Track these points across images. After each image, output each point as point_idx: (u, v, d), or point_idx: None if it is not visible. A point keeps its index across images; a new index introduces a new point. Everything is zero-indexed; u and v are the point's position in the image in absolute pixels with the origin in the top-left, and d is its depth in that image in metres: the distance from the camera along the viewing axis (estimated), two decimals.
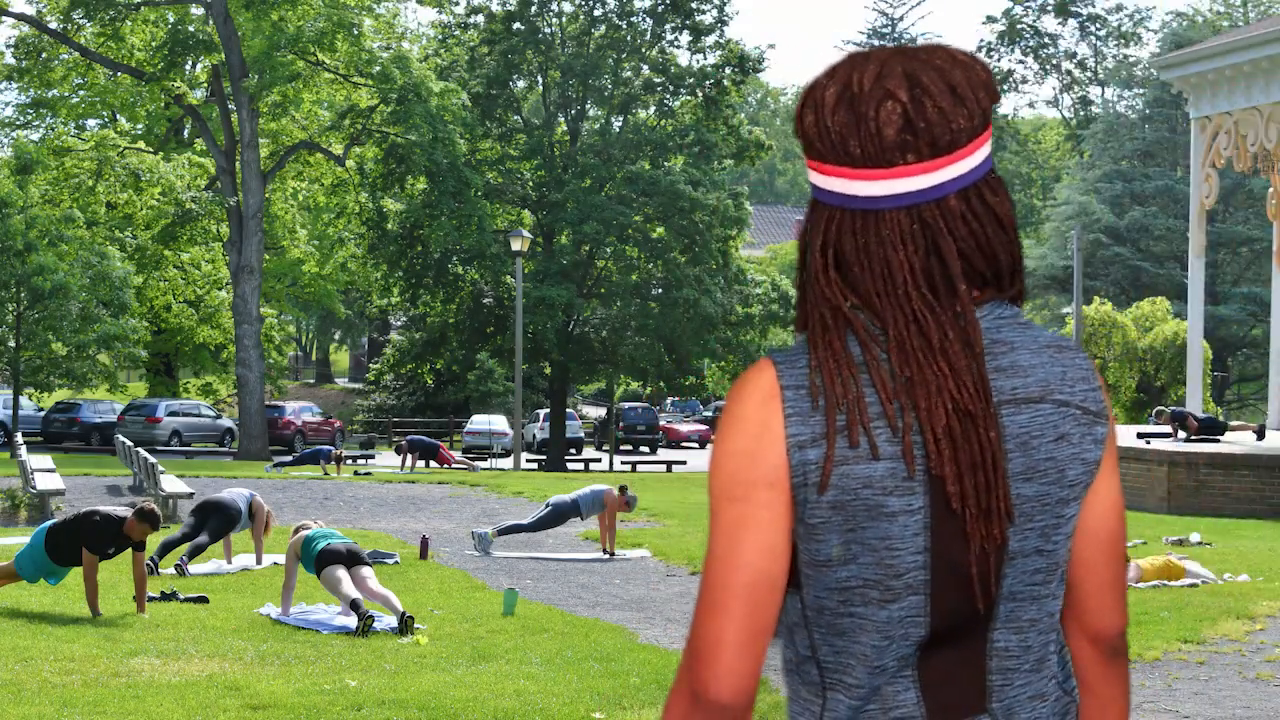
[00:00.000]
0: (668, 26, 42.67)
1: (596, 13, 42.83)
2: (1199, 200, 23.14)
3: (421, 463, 31.53)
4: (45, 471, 20.84)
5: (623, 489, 15.94)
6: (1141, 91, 59.06)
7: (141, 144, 40.74)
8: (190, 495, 18.07)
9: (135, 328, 35.27)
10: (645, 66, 42.75)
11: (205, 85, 41.06)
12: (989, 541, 1.63)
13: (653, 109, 43.60)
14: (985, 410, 1.63)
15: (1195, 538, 15.51)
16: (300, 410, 44.04)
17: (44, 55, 39.51)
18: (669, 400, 57.70)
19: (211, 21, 37.92)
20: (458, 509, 21.29)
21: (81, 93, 43.57)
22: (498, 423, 44.11)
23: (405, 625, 10.02)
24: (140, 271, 39.51)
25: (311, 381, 74.43)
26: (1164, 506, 18.90)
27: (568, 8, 43.05)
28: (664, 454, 45.76)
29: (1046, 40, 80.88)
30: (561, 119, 43.15)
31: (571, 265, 40.81)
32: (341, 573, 10.33)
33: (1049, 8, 79.61)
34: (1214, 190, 22.90)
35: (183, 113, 40.64)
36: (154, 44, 39.82)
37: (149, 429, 39.23)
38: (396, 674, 8.33)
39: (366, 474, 28.41)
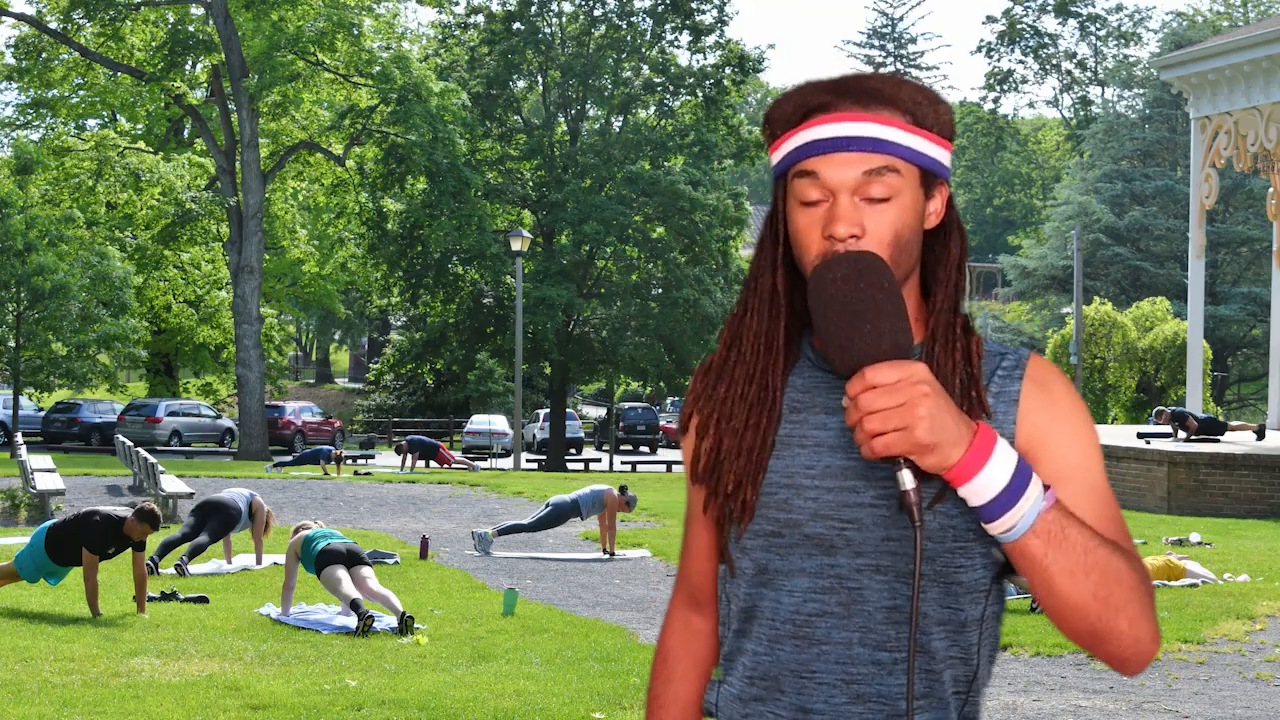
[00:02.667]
0: (668, 26, 42.66)
1: (596, 13, 42.83)
2: (1199, 200, 23.14)
3: (421, 463, 31.53)
4: (45, 471, 20.82)
5: (623, 489, 15.94)
6: (1141, 91, 59.06)
7: (141, 144, 40.72)
8: (190, 495, 18.06)
9: (135, 328, 35.25)
10: (645, 66, 42.75)
11: (205, 85, 41.06)
12: None
13: (653, 109, 43.61)
14: None
15: (1195, 538, 15.51)
16: (300, 410, 44.03)
17: (44, 55, 39.49)
18: (669, 400, 57.70)
19: (211, 21, 37.91)
20: (458, 509, 21.29)
21: (81, 93, 43.54)
22: (498, 423, 44.11)
23: (405, 625, 10.02)
24: (140, 271, 39.49)
25: (311, 381, 74.45)
26: (1164, 506, 18.90)
27: (568, 8, 43.06)
28: (664, 454, 45.76)
29: (1046, 40, 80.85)
30: (561, 119, 43.15)
31: (571, 265, 40.81)
32: (341, 573, 10.33)
33: (1049, 8, 79.58)
34: (1214, 190, 22.90)
35: (183, 113, 40.63)
36: (154, 44, 39.82)
37: (149, 429, 39.22)
38: (396, 674, 8.33)
39: (366, 474, 28.41)
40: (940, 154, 1.77)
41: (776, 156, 1.80)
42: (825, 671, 1.76)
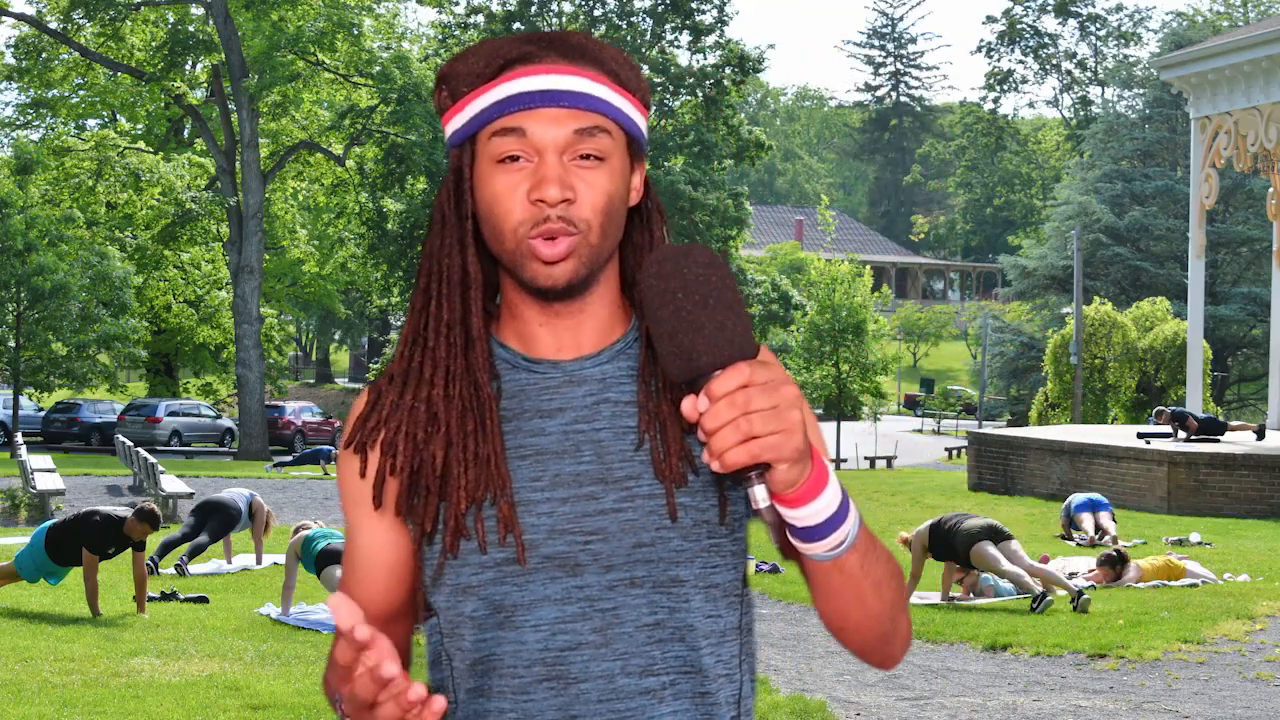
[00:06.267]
0: (668, 26, 42.70)
1: (596, 13, 42.88)
2: (1199, 200, 23.14)
3: None
4: (45, 471, 20.82)
5: None
6: (1141, 91, 59.07)
7: (141, 144, 40.74)
8: (190, 495, 18.06)
9: (135, 328, 35.26)
10: (645, 66, 42.77)
11: (205, 85, 41.08)
12: None
13: (652, 109, 43.67)
14: None
15: (1195, 538, 15.51)
16: (300, 410, 44.02)
17: (44, 55, 39.52)
18: None
19: (211, 21, 37.93)
20: None
21: (81, 93, 43.55)
22: None
23: None
24: (140, 271, 39.50)
25: (311, 381, 74.44)
26: (1164, 506, 18.89)
27: (568, 8, 43.09)
28: None
29: (1046, 40, 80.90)
30: None
31: None
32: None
33: (1049, 8, 79.63)
34: (1214, 190, 22.90)
35: (183, 113, 40.66)
36: (154, 44, 39.84)
37: (149, 429, 39.20)
38: None
39: None
40: (642, 123, 1.58)
41: (462, 118, 1.54)
42: (588, 714, 1.49)
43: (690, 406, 1.36)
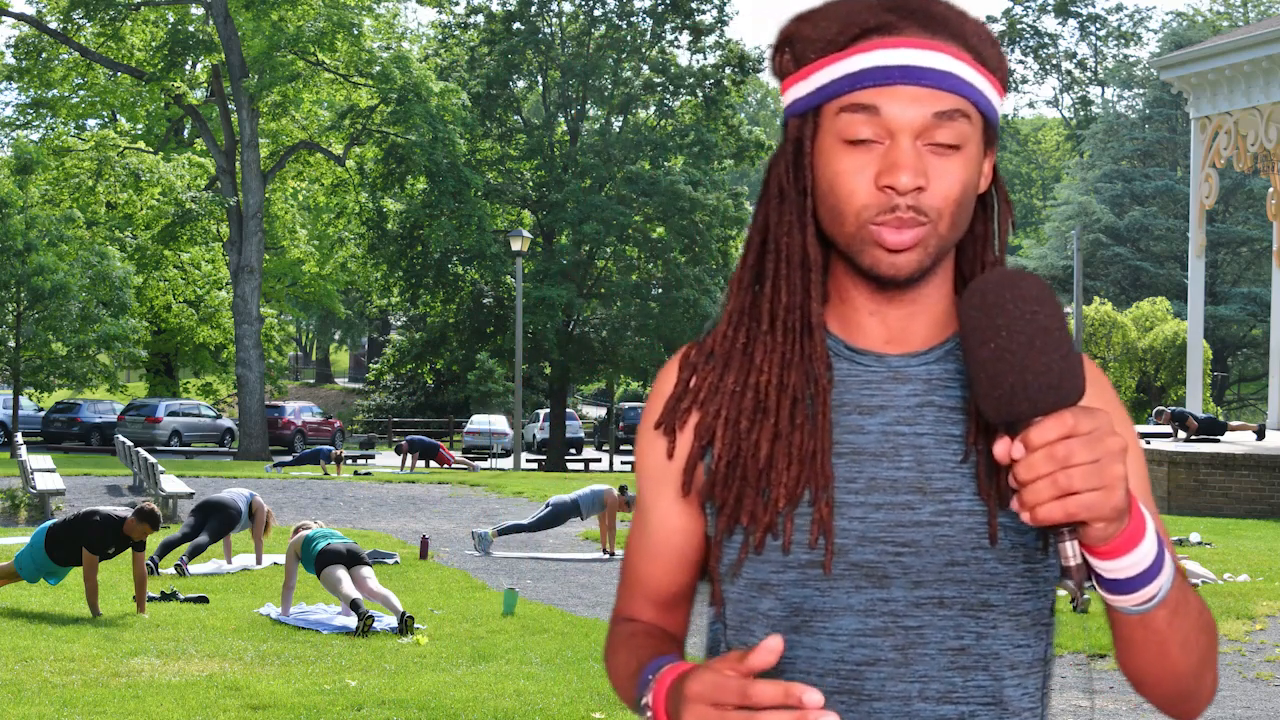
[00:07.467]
0: (668, 26, 42.69)
1: (596, 13, 42.86)
2: (1199, 200, 23.15)
3: (421, 463, 31.53)
4: (45, 471, 20.82)
5: (623, 489, 15.95)
6: (1141, 91, 59.10)
7: (141, 144, 40.74)
8: (190, 495, 18.07)
9: (135, 328, 35.26)
10: (645, 66, 42.76)
11: (205, 85, 41.08)
12: None
13: (652, 109, 43.65)
14: None
15: (1195, 538, 15.51)
16: (300, 410, 44.03)
17: (44, 55, 39.51)
18: None
19: (211, 21, 37.92)
20: (458, 509, 21.29)
21: (81, 93, 43.55)
22: (498, 423, 44.12)
23: (405, 625, 10.02)
24: (140, 271, 39.50)
25: (311, 381, 74.45)
26: (1164, 506, 18.90)
27: (568, 8, 43.08)
28: None
29: (1046, 40, 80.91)
30: (561, 119, 43.17)
31: (571, 265, 40.82)
32: (341, 573, 10.33)
33: (1049, 8, 79.64)
34: (1214, 190, 22.90)
35: (183, 113, 40.65)
36: (154, 44, 39.83)
37: (149, 429, 39.21)
38: (396, 674, 8.33)
39: (366, 474, 28.40)
40: (1000, 105, 1.45)
41: (806, 86, 1.43)
42: None
43: (1003, 450, 1.25)
